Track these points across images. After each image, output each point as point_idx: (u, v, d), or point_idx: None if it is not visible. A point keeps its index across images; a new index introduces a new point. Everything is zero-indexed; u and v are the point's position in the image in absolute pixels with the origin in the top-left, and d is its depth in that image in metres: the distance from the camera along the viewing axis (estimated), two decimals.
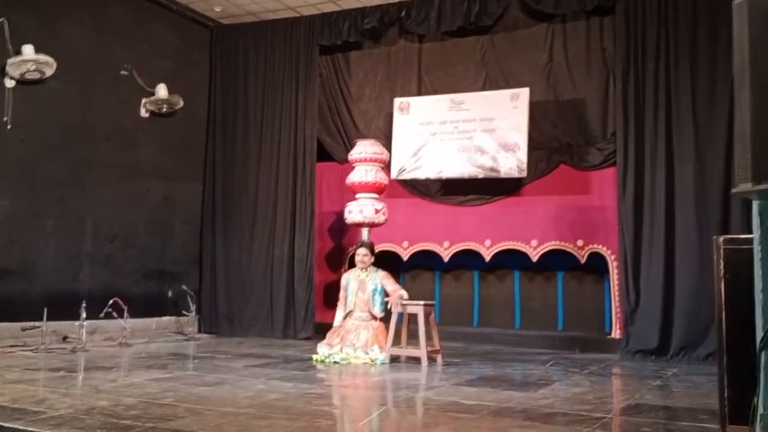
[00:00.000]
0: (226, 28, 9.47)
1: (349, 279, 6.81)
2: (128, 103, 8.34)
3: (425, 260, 8.77)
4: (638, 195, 7.07)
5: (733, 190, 2.66)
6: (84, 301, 7.04)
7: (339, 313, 6.77)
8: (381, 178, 7.57)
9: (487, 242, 8.21)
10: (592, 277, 8.14)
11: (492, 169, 7.93)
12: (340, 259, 9.12)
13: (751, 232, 2.94)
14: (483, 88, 8.34)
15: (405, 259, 8.66)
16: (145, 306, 8.28)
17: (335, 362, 6.26)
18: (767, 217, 2.74)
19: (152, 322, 8.40)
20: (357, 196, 7.64)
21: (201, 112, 9.37)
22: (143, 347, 7.20)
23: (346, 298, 6.75)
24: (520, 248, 8.07)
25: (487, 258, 8.23)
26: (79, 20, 7.78)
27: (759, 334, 2.74)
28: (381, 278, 6.69)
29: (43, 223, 7.35)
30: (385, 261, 8.26)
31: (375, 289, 6.65)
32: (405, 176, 8.37)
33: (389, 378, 5.58)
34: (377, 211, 7.54)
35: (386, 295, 6.59)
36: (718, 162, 6.79)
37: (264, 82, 9.19)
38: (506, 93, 8.02)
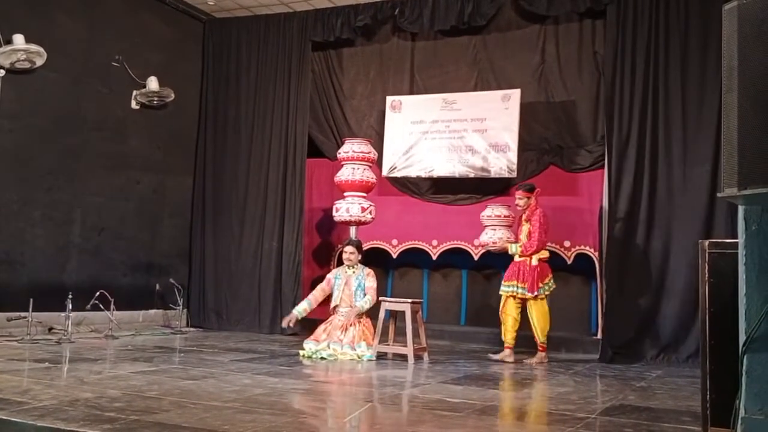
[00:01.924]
0: (219, 22, 9.44)
1: (337, 274, 6.86)
2: (119, 95, 8.30)
3: (414, 258, 8.79)
4: (624, 197, 7.12)
5: (720, 195, 2.69)
6: (71, 293, 7.00)
7: (302, 304, 6.86)
8: (368, 176, 7.58)
9: (476, 242, 8.23)
10: (579, 278, 8.17)
11: (482, 169, 7.96)
12: (328, 256, 9.13)
13: (734, 237, 2.97)
14: (475, 89, 8.36)
15: (394, 256, 8.68)
16: (133, 298, 8.26)
17: (322, 358, 6.27)
18: (752, 222, 2.77)
19: (139, 314, 8.38)
20: (345, 194, 7.65)
21: (192, 105, 9.34)
22: (129, 340, 7.18)
23: (332, 294, 6.80)
24: None
25: (476, 257, 8.25)
26: (70, 10, 7.73)
27: (742, 338, 2.76)
28: (365, 275, 6.74)
29: (30, 213, 7.31)
30: (375, 258, 8.28)
31: (359, 286, 6.70)
32: (396, 174, 8.39)
33: (375, 375, 5.59)
34: (364, 210, 7.57)
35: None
36: (705, 166, 6.86)
37: (256, 77, 9.18)
38: (498, 94, 8.05)
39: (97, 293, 7.30)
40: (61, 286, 7.33)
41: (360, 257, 6.88)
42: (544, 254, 6.74)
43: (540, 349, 6.59)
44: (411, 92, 8.68)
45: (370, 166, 7.66)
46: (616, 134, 7.22)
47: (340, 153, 7.67)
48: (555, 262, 7.97)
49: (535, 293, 6.57)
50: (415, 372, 5.78)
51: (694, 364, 6.25)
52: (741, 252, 2.78)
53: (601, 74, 7.76)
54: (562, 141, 8.03)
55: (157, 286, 8.63)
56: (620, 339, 6.93)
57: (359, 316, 6.56)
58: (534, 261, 6.64)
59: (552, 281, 6.77)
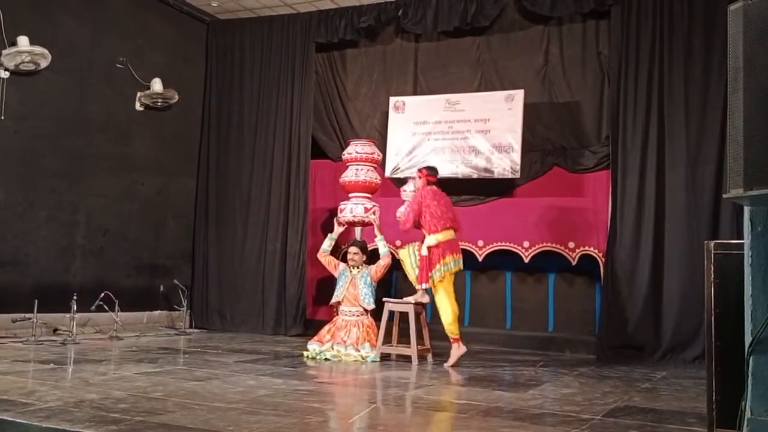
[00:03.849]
0: (223, 24, 9.45)
1: (343, 269, 6.87)
2: (123, 96, 8.32)
3: None
4: (629, 198, 7.12)
5: (725, 196, 2.68)
6: (75, 294, 7.02)
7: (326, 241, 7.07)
8: (372, 177, 7.59)
9: (480, 242, 8.22)
10: (583, 279, 8.15)
11: (486, 170, 7.96)
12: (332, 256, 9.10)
13: (740, 237, 2.96)
14: (478, 89, 8.35)
15: (398, 257, 8.65)
16: (137, 299, 8.27)
17: (326, 359, 6.27)
18: (758, 223, 2.76)
19: (143, 315, 8.39)
20: (350, 195, 7.66)
21: (196, 107, 9.36)
22: (134, 341, 7.18)
23: (336, 284, 6.85)
24: (512, 249, 8.09)
25: (480, 258, 8.24)
26: (74, 12, 7.75)
27: (748, 339, 2.76)
28: (370, 271, 6.78)
29: (35, 215, 7.32)
30: (378, 259, 8.25)
31: (365, 284, 6.70)
32: (399, 175, 8.39)
33: (379, 376, 5.59)
34: (367, 210, 7.58)
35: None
36: (710, 167, 6.86)
37: (260, 79, 9.19)
38: (501, 94, 8.04)
39: (102, 294, 7.31)
40: (65, 287, 7.35)
41: (365, 258, 6.87)
42: (431, 241, 6.21)
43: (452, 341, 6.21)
44: (414, 93, 8.68)
45: (374, 167, 7.66)
46: (620, 135, 7.23)
47: (344, 154, 7.68)
48: (559, 263, 8.00)
49: (423, 285, 6.24)
50: (419, 373, 5.77)
51: (700, 365, 6.23)
52: (747, 253, 2.77)
53: (605, 75, 7.77)
54: (565, 142, 8.03)
55: (161, 288, 8.65)
56: (625, 340, 6.93)
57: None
58: (423, 250, 6.26)
59: (446, 265, 6.18)
